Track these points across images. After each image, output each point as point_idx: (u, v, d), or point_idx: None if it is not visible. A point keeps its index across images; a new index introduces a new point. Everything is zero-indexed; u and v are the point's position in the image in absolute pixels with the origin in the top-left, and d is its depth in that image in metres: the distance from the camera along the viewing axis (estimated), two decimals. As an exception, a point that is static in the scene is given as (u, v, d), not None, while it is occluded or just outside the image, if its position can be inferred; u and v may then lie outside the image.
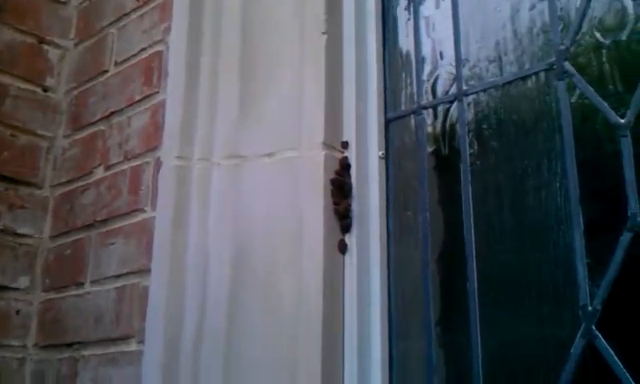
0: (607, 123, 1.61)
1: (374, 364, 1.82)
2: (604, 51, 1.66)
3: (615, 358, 1.47)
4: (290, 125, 1.98)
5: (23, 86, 2.63)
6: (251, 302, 1.89)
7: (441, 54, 1.99)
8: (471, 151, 1.84)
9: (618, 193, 1.55)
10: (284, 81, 2.03)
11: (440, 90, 1.97)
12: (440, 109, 1.94)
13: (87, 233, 2.37)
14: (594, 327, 1.51)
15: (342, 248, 1.88)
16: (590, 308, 1.53)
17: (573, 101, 1.69)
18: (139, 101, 2.35)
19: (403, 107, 2.02)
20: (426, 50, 2.02)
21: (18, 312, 2.42)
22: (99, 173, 2.41)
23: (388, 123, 2.02)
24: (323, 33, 2.01)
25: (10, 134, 2.54)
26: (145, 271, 2.08)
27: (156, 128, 2.23)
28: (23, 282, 2.46)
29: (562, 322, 1.59)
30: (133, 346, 2.06)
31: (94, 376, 2.15)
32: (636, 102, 1.57)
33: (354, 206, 1.91)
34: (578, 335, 1.53)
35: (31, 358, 2.41)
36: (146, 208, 2.17)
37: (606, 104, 1.62)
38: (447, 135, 1.91)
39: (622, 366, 1.45)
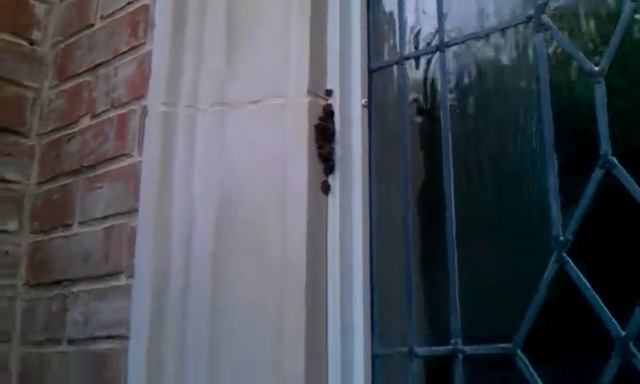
0: (582, 71, 1.72)
1: (355, 298, 1.92)
2: (580, 3, 1.76)
3: (585, 281, 1.57)
4: (275, 73, 2.06)
5: (9, 38, 2.67)
6: (237, 244, 1.97)
7: (424, 6, 2.08)
8: (451, 100, 1.93)
9: (590, 136, 1.65)
10: (270, 29, 2.11)
11: (422, 42, 2.06)
12: (422, 60, 2.04)
13: (74, 178, 2.43)
14: (564, 254, 1.62)
15: (325, 189, 1.96)
16: (561, 238, 1.63)
17: (550, 52, 1.79)
18: (125, 52, 2.40)
19: (386, 58, 2.12)
20: (410, 1, 2.12)
21: (7, 253, 2.48)
22: (86, 121, 2.47)
23: (371, 73, 2.11)
24: (309, -20, 2.08)
25: (-3, 85, 2.60)
26: (132, 212, 2.14)
27: (142, 77, 2.28)
28: (12, 225, 2.52)
29: (536, 253, 1.70)
30: (122, 281, 2.12)
31: (84, 311, 2.21)
32: (610, 50, 1.67)
33: (337, 150, 1.99)
34: (550, 262, 1.64)
35: (21, 297, 2.47)
36: (132, 153, 2.23)
37: (581, 53, 1.72)
38: (429, 85, 2.01)
39: (591, 289, 1.56)
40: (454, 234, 1.82)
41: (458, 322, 1.76)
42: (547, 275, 1.64)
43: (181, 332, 1.95)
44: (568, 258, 1.61)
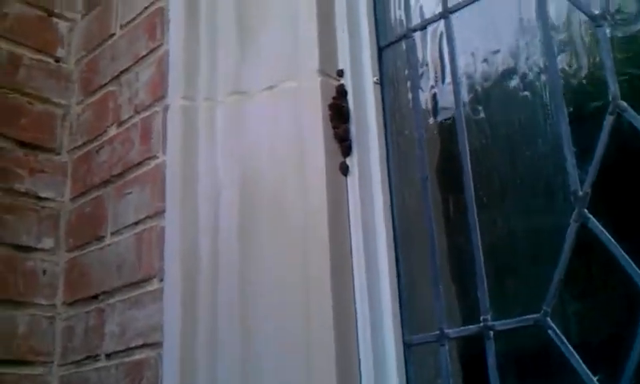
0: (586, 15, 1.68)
1: (382, 274, 1.89)
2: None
3: (608, 235, 1.52)
4: (286, 56, 2.06)
5: (35, 56, 2.71)
6: (261, 228, 1.97)
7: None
8: (461, 66, 1.90)
9: (599, 80, 1.62)
10: (279, 14, 2.11)
11: (428, 11, 2.02)
12: (429, 29, 2.01)
13: (105, 189, 2.45)
14: (585, 210, 1.57)
15: (344, 170, 1.94)
16: (580, 193, 1.59)
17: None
18: (145, 56, 2.42)
19: (394, 33, 2.09)
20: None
21: (44, 272, 2.51)
22: (112, 131, 2.48)
23: (381, 50, 2.09)
24: (314, -36, 2.08)
25: (27, 102, 2.63)
26: (161, 213, 2.15)
27: (162, 77, 2.30)
28: (47, 242, 2.54)
29: (556, 210, 1.66)
30: (155, 285, 2.12)
31: (120, 320, 2.22)
32: None
33: (353, 130, 1.97)
34: (571, 220, 1.59)
35: (60, 317, 2.49)
36: (157, 154, 2.24)
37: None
38: (438, 53, 1.98)
39: (615, 243, 1.51)
40: (474, 203, 1.77)
41: (485, 296, 1.71)
42: (569, 234, 1.59)
43: (212, 329, 1.95)
44: (589, 214, 1.56)
